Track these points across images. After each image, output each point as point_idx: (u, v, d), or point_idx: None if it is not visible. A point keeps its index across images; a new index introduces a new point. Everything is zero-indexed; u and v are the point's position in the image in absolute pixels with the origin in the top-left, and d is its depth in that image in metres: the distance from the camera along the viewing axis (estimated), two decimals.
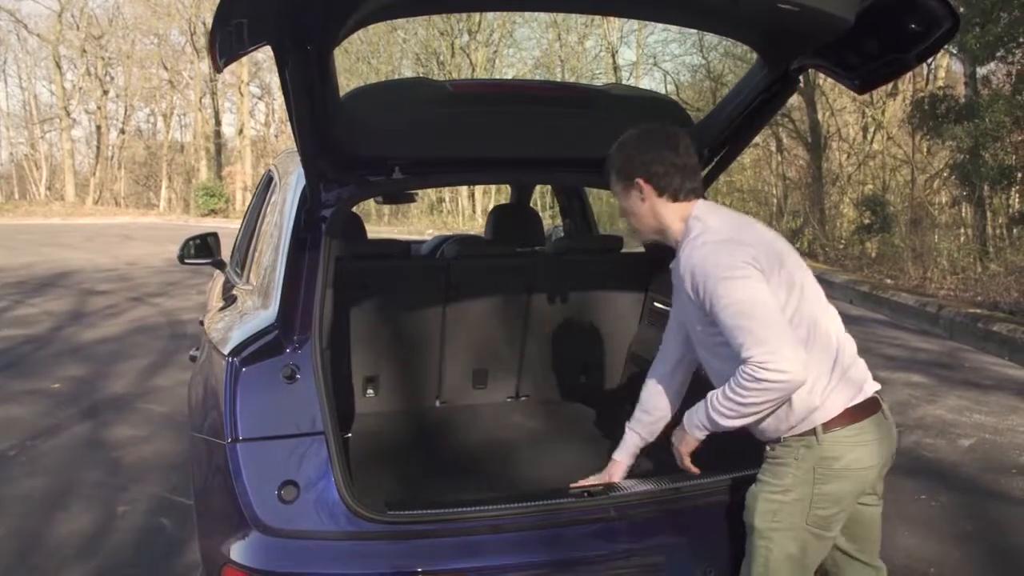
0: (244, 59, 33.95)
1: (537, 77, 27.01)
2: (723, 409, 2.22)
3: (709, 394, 2.30)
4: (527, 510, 2.43)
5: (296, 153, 2.78)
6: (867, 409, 2.33)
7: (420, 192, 19.15)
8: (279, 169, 3.70)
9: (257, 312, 2.82)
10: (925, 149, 14.19)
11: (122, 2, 38.79)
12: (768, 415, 2.26)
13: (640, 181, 2.37)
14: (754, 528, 2.31)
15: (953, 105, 12.17)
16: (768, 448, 2.35)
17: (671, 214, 2.39)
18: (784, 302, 2.25)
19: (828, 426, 2.27)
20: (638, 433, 2.70)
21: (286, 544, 2.24)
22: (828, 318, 2.36)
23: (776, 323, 2.15)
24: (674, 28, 21.52)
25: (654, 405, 2.69)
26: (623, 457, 2.70)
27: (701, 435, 2.36)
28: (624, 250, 4.12)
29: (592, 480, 2.67)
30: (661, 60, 27.37)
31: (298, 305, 2.58)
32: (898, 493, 4.46)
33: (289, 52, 2.16)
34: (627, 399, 3.99)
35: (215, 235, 4.80)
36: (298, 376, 2.40)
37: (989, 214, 12.23)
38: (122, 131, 41.58)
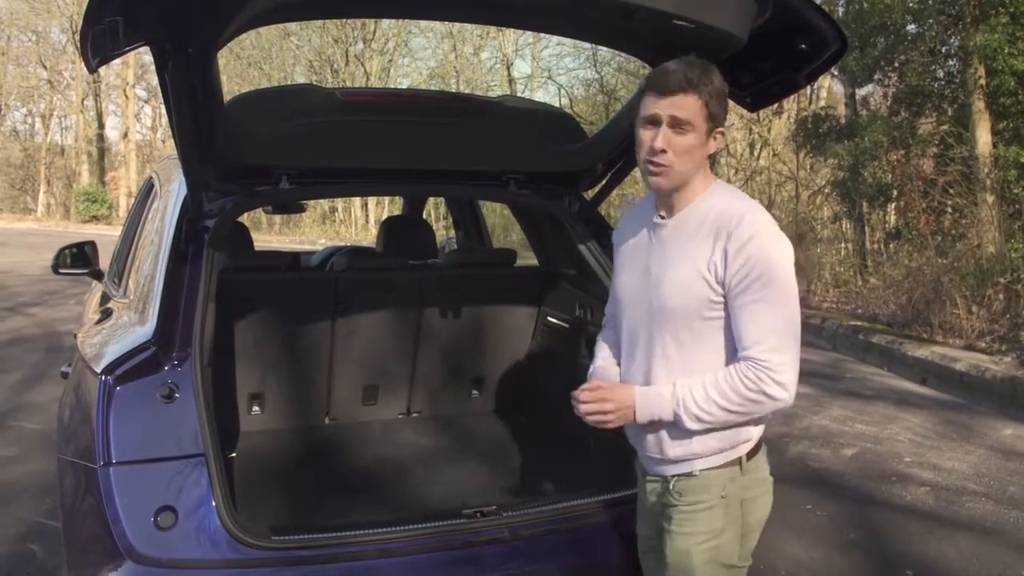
0: (130, 60, 32.59)
1: (432, 87, 26.92)
2: (700, 407, 1.96)
3: (680, 386, 2.01)
4: (419, 532, 2.37)
5: (178, 160, 2.66)
6: None
7: (312, 201, 18.83)
8: (160, 176, 3.55)
9: (133, 327, 2.68)
10: (808, 166, 14.66)
11: None
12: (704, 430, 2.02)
13: (722, 132, 2.11)
14: None
15: (835, 124, 12.64)
16: (675, 483, 2.09)
17: (704, 172, 2.13)
18: None
19: (751, 453, 2.10)
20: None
21: (163, 574, 2.12)
22: None
23: (798, 343, 2.00)
24: (568, 42, 21.87)
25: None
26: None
27: (645, 421, 2.06)
28: (517, 264, 4.10)
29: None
30: (555, 74, 27.61)
31: (178, 320, 2.46)
32: (786, 502, 4.53)
33: (168, 54, 2.06)
34: (520, 415, 3.98)
35: (93, 243, 4.59)
36: (177, 395, 2.28)
37: (868, 229, 12.70)
38: None
